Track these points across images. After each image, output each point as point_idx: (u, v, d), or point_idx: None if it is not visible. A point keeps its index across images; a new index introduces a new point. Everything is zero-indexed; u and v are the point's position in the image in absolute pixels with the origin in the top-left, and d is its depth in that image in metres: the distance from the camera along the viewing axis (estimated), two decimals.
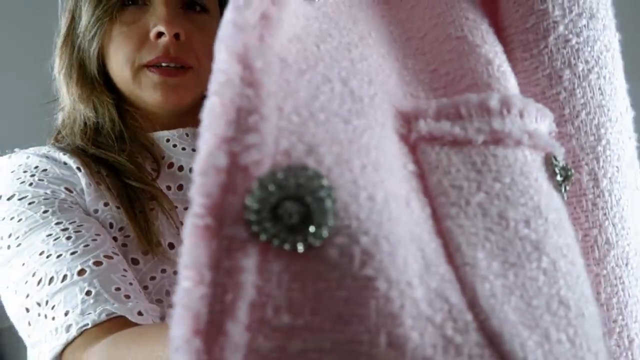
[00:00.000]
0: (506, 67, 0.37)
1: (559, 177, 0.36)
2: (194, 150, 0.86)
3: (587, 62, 0.40)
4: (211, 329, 0.24)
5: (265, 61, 0.28)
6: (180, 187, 0.84)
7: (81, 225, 0.73)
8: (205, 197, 0.25)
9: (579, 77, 0.40)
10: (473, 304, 0.28)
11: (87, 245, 0.70)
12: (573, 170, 0.38)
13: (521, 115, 0.34)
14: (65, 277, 0.67)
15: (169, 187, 0.83)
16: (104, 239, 0.73)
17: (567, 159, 0.40)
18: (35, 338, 0.68)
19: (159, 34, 0.82)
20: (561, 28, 0.40)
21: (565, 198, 0.36)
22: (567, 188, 0.37)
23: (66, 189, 0.78)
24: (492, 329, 0.28)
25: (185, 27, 0.83)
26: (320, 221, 0.26)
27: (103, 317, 0.64)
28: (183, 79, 0.83)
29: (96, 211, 0.77)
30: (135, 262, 0.75)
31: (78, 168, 0.80)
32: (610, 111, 0.41)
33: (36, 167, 0.79)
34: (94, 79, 0.86)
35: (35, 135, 0.91)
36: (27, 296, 0.68)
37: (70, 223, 0.73)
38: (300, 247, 0.26)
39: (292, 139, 0.27)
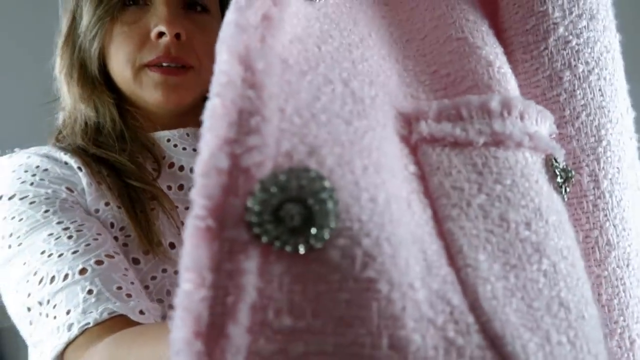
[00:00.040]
0: (506, 68, 0.37)
1: (559, 179, 0.36)
2: (194, 150, 0.86)
3: (587, 63, 0.40)
4: (212, 332, 0.24)
5: (267, 62, 0.28)
6: (180, 187, 0.84)
7: (82, 224, 0.73)
8: (206, 198, 0.25)
9: (579, 78, 0.40)
10: (474, 306, 0.28)
11: (88, 245, 0.70)
12: (573, 172, 0.38)
13: (522, 117, 0.34)
14: (66, 276, 0.67)
15: (169, 187, 0.83)
16: (105, 239, 0.73)
17: (567, 160, 0.40)
18: (36, 337, 0.68)
19: (160, 34, 0.82)
20: (561, 29, 0.40)
21: (566, 200, 0.36)
22: (568, 190, 0.37)
23: (67, 188, 0.78)
24: (494, 331, 0.28)
25: (186, 27, 0.83)
26: (322, 223, 0.26)
27: (105, 315, 0.64)
28: (184, 79, 0.83)
29: (97, 211, 0.77)
30: (136, 261, 0.75)
31: (79, 168, 0.80)
32: (610, 112, 0.41)
33: (37, 167, 0.79)
34: (95, 79, 0.86)
35: (36, 135, 0.91)
36: (29, 295, 0.68)
37: (71, 222, 0.73)
38: (302, 249, 0.25)
39: (293, 140, 0.27)
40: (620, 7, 0.44)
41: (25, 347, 0.76)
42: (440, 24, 0.39)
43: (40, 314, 0.67)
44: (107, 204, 0.77)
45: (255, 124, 0.26)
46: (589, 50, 0.40)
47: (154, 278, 0.75)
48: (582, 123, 0.40)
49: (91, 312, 0.64)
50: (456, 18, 0.38)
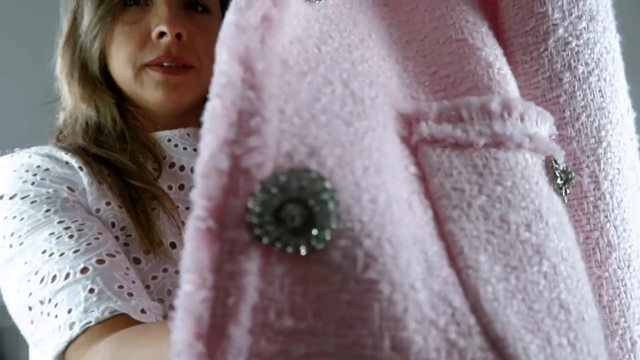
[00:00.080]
0: (506, 70, 0.37)
1: (559, 181, 0.36)
2: (195, 150, 0.86)
3: (587, 64, 0.40)
4: (213, 333, 0.24)
5: (267, 63, 0.28)
6: (181, 187, 0.84)
7: (83, 224, 0.73)
8: (207, 199, 0.25)
9: (579, 79, 0.40)
10: (476, 307, 0.28)
11: (89, 244, 0.70)
12: (574, 173, 0.38)
13: (522, 119, 0.34)
14: (68, 275, 0.67)
15: (170, 187, 0.83)
16: (106, 238, 0.73)
17: (567, 161, 0.40)
18: (38, 336, 0.68)
19: (161, 34, 0.82)
20: (561, 31, 0.39)
21: (566, 201, 0.36)
22: (568, 191, 0.37)
23: (68, 188, 0.78)
24: (496, 333, 0.28)
25: (187, 27, 0.83)
26: (323, 224, 0.26)
27: (106, 314, 0.64)
28: (184, 78, 0.84)
29: (98, 210, 0.77)
30: (137, 261, 0.75)
31: (80, 167, 0.80)
32: (610, 113, 0.41)
33: (38, 167, 0.79)
34: (96, 79, 0.86)
35: (37, 134, 0.91)
36: (30, 294, 0.68)
37: (72, 222, 0.73)
38: (303, 250, 0.25)
39: (293, 141, 0.27)
40: (620, 8, 0.44)
41: (26, 346, 0.76)
42: (440, 25, 0.39)
43: (42, 313, 0.67)
44: (108, 203, 0.78)
45: (255, 125, 0.26)
46: (589, 51, 0.40)
47: (154, 278, 0.75)
48: (582, 124, 0.40)
49: (93, 310, 0.64)
50: (456, 19, 0.38)
